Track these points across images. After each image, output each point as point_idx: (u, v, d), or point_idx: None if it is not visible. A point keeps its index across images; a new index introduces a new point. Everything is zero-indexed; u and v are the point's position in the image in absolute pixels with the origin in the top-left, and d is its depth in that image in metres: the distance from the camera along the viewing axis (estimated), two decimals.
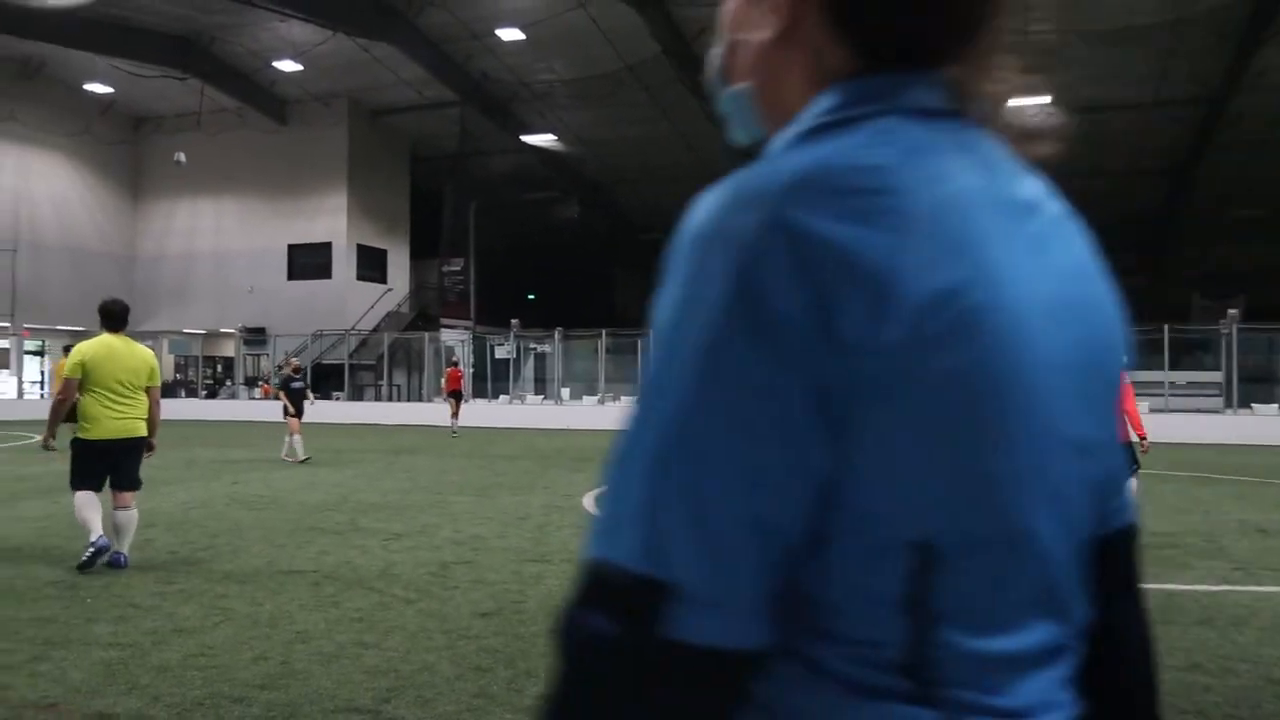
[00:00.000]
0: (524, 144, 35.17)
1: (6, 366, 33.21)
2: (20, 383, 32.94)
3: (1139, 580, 0.86)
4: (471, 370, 29.95)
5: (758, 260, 0.63)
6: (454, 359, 26.94)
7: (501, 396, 30.60)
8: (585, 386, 30.35)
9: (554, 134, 34.92)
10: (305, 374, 16.51)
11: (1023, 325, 0.67)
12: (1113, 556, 0.82)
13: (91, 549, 6.38)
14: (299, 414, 14.99)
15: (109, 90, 33.65)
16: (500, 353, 32.10)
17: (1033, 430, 0.67)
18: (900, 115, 0.72)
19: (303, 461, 14.53)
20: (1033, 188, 0.76)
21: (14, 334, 32.41)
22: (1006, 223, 0.70)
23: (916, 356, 0.63)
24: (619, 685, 0.63)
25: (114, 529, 6.60)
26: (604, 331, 29.38)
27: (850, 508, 0.65)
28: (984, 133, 0.75)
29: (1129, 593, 0.85)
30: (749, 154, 0.79)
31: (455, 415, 22.53)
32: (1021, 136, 0.78)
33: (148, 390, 6.89)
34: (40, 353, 34.77)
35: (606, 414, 27.51)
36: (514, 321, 31.94)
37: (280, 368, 16.36)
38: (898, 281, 0.63)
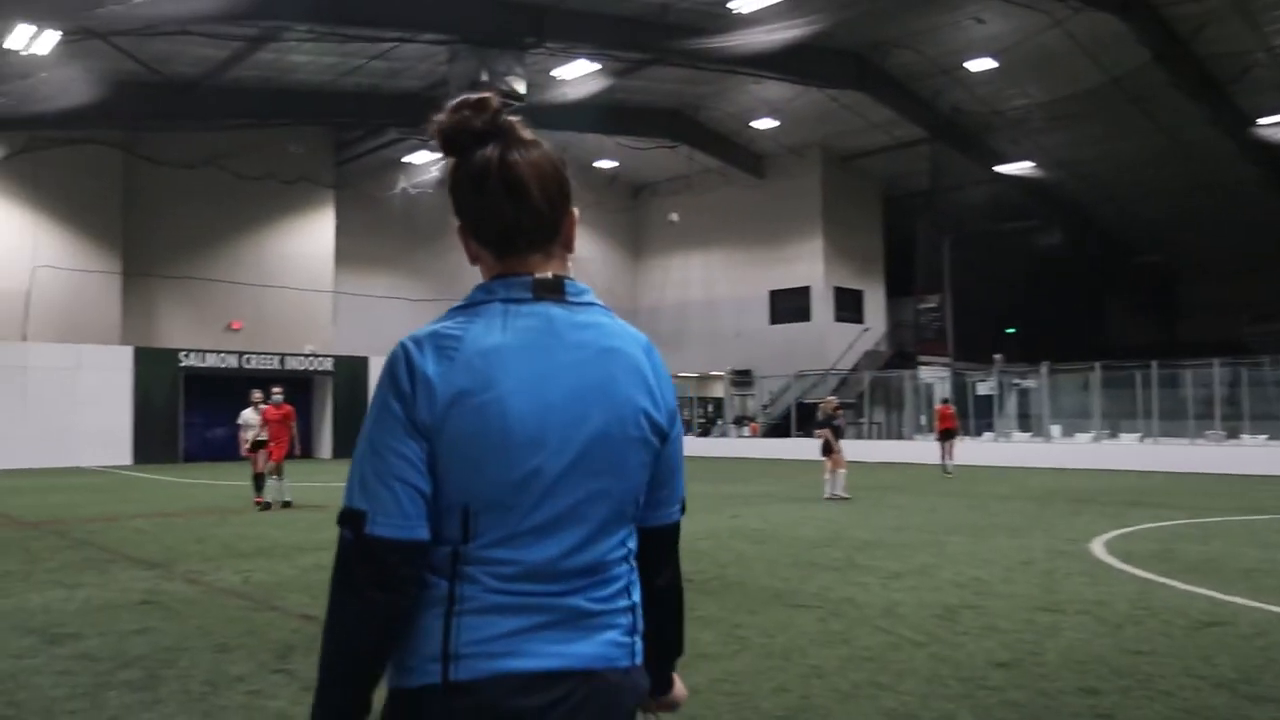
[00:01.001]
0: (998, 174, 33.80)
1: None
2: None
3: (667, 558, 1.58)
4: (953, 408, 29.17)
5: (400, 368, 1.38)
6: (944, 397, 26.32)
7: (985, 434, 29.41)
8: (1076, 423, 28.20)
9: (1030, 160, 33.17)
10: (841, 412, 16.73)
11: (514, 409, 1.36)
12: (655, 538, 1.55)
13: None
14: (839, 450, 15.29)
15: (614, 164, 37.90)
16: (981, 389, 30.91)
17: (513, 459, 1.36)
18: (497, 303, 1.43)
19: (844, 499, 14.86)
20: (580, 338, 1.45)
21: None
22: (526, 361, 1.39)
23: (445, 423, 1.35)
24: (354, 561, 1.35)
25: None
26: (1097, 364, 27.15)
27: (439, 484, 1.37)
28: (546, 302, 1.44)
29: (667, 560, 1.59)
30: None
31: (948, 455, 21.79)
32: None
33: None
34: None
35: (1103, 452, 25.30)
36: (998, 356, 30.64)
37: (819, 406, 16.73)
38: (441, 386, 1.36)
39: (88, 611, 6.56)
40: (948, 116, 30.76)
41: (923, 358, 34.49)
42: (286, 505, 13.80)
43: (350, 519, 1.36)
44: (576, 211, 1.52)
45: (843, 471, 15.30)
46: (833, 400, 16.70)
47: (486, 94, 1.47)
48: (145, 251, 28.75)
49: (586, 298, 1.50)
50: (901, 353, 36.89)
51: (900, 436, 32.31)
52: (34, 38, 19.72)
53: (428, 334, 1.40)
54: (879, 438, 32.83)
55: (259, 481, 14.04)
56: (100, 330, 27.37)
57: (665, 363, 1.64)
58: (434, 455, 1.36)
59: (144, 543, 10.13)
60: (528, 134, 1.47)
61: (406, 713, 1.37)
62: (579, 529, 1.40)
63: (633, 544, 1.50)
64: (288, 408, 14.25)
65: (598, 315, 1.50)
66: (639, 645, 1.47)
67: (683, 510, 1.61)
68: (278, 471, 13.88)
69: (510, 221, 1.44)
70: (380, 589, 1.33)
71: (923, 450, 26.57)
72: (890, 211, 38.26)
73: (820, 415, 15.86)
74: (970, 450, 25.69)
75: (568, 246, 1.51)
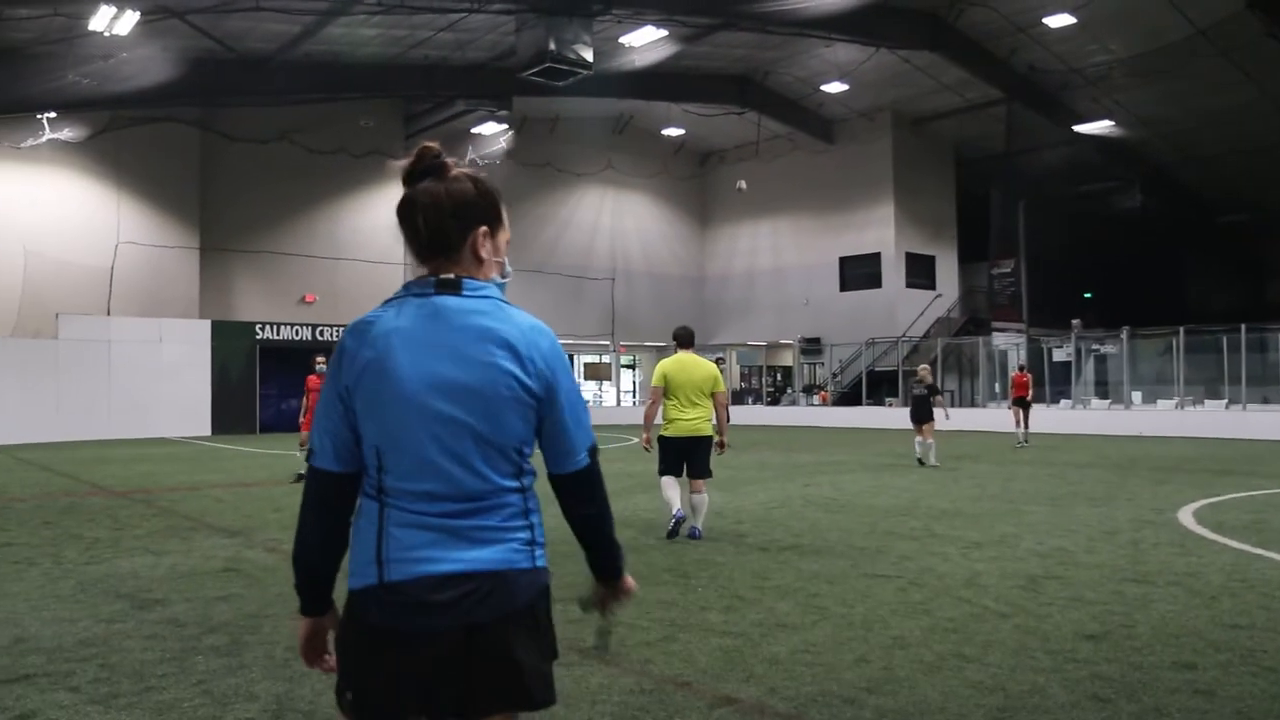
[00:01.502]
0: (1076, 134, 32.77)
1: (607, 378, 38.56)
2: (618, 391, 38.00)
3: (584, 495, 2.03)
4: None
5: (336, 352, 1.92)
6: (1020, 363, 25.66)
7: (1062, 401, 28.74)
8: (1157, 390, 27.37)
9: (1110, 119, 32.10)
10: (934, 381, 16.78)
11: (402, 372, 1.84)
12: (566, 483, 2.01)
13: (673, 520, 8.10)
14: (931, 419, 15.46)
15: (681, 132, 37.59)
16: (1058, 355, 30.18)
17: (402, 410, 1.85)
18: (408, 295, 1.92)
19: (933, 466, 15.02)
20: (465, 321, 1.88)
21: (613, 350, 37.57)
22: (418, 338, 1.86)
23: (360, 383, 1.87)
24: (310, 480, 1.95)
25: (691, 509, 8.20)
26: (1180, 329, 26.27)
27: (361, 430, 1.89)
28: (442, 294, 1.91)
29: (585, 498, 2.03)
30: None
31: (1021, 424, 20.47)
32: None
33: (714, 396, 8.28)
34: (632, 366, 39.76)
35: (1186, 420, 24.55)
36: (1075, 322, 29.87)
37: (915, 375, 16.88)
38: (356, 358, 1.88)
39: (173, 578, 6.73)
40: (1024, 76, 29.91)
41: (997, 324, 33.77)
42: None
43: (310, 454, 1.96)
44: (484, 229, 1.97)
45: (931, 440, 15.39)
46: (927, 367, 16.81)
47: (430, 144, 2.00)
48: (221, 226, 29.36)
49: (483, 292, 1.93)
50: (975, 319, 36.17)
51: (974, 404, 31.74)
52: (114, 19, 20.14)
53: (357, 321, 1.93)
54: (952, 405, 32.27)
55: None
56: (180, 304, 28.07)
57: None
58: (354, 410, 1.90)
59: (224, 511, 10.37)
60: (452, 173, 1.97)
61: (357, 607, 1.89)
62: (463, 466, 1.86)
63: (527, 481, 1.95)
64: None
65: (487, 305, 1.92)
66: (539, 552, 1.94)
67: (593, 454, 2.03)
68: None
69: (407, 239, 1.97)
70: (316, 499, 1.95)
71: (997, 418, 26.06)
72: (963, 175, 37.40)
73: (923, 383, 15.92)
74: (1047, 418, 25.14)
75: (475, 254, 1.96)
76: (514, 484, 1.91)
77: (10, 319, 25.31)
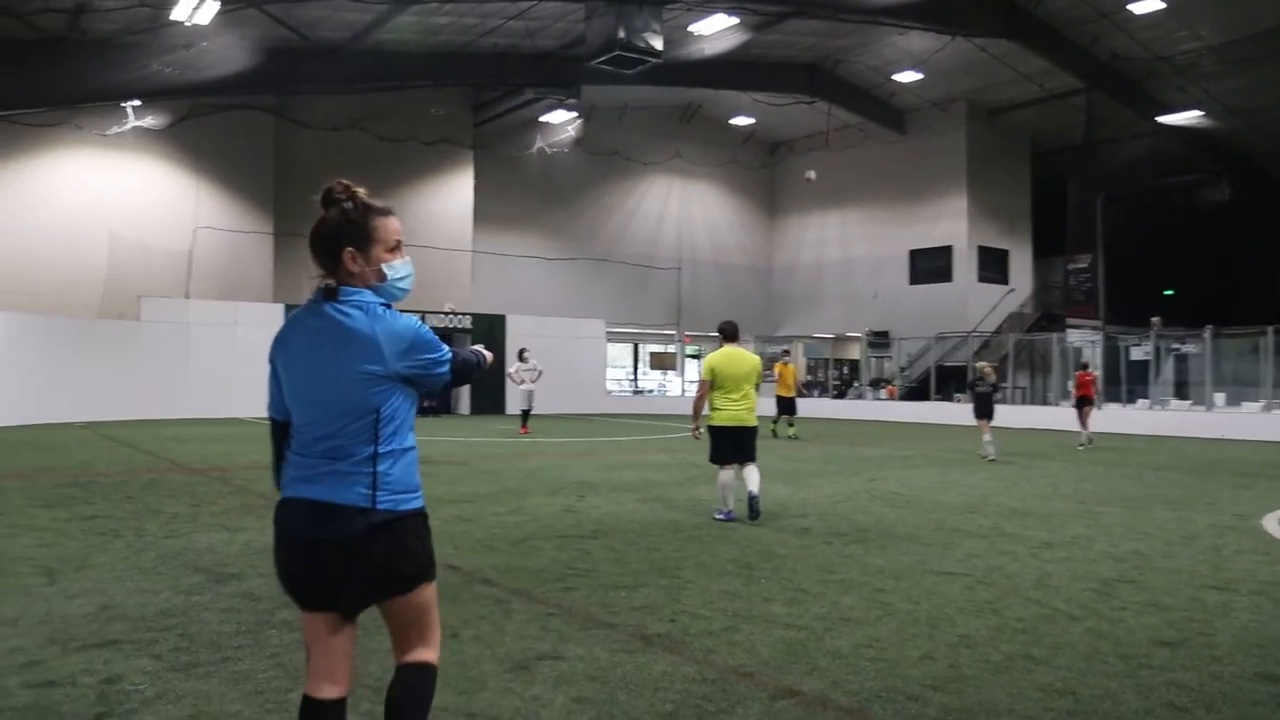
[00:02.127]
0: (1160, 125, 31.81)
1: (672, 367, 38.51)
2: (683, 381, 37.96)
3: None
4: (1101, 373, 27.68)
5: (276, 339, 2.73)
6: (1083, 361, 25.02)
7: (1139, 401, 27.99)
8: (1241, 391, 26.46)
9: (1198, 109, 31.09)
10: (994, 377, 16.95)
11: (292, 357, 2.64)
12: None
13: (722, 516, 8.73)
14: (992, 415, 15.85)
15: (750, 121, 37.35)
16: (1135, 354, 29.36)
17: (292, 384, 2.64)
18: (313, 300, 2.63)
19: (990, 460, 15.23)
20: (334, 321, 2.56)
21: (678, 340, 37.54)
22: (300, 333, 2.62)
23: (276, 361, 2.69)
24: (271, 429, 2.79)
25: (745, 479, 8.75)
26: (1269, 329, 25.35)
27: (285, 397, 2.69)
28: (326, 301, 2.59)
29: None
30: None
31: (1084, 424, 19.49)
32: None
33: (757, 387, 8.91)
34: (697, 356, 39.65)
35: (1273, 423, 23.70)
36: (1155, 320, 29.02)
37: (978, 371, 16.94)
38: (278, 343, 2.69)
39: (248, 553, 6.90)
40: (1106, 64, 29.12)
41: (1072, 321, 32.98)
42: None
43: (269, 409, 2.74)
44: (349, 249, 2.58)
45: (989, 435, 15.57)
46: (985, 364, 16.96)
47: (332, 183, 2.66)
48: (295, 212, 29.86)
49: (354, 298, 2.58)
50: (1048, 315, 35.40)
51: (1045, 402, 31.09)
52: (196, 8, 20.61)
53: (292, 314, 2.66)
54: (1023, 403, 31.67)
55: None
56: (255, 288, 28.70)
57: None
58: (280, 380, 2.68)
59: None
60: (345, 204, 2.64)
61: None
62: (321, 427, 2.56)
63: (383, 441, 2.54)
64: None
65: (354, 309, 2.55)
66: (380, 496, 2.53)
67: (451, 369, 2.69)
68: None
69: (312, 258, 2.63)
70: (271, 437, 2.77)
71: (1069, 417, 25.46)
72: (1039, 167, 36.58)
73: (988, 379, 16.13)
74: (1123, 418, 24.51)
75: (350, 270, 2.59)
76: (365, 443, 2.54)
77: (95, 301, 26.12)
